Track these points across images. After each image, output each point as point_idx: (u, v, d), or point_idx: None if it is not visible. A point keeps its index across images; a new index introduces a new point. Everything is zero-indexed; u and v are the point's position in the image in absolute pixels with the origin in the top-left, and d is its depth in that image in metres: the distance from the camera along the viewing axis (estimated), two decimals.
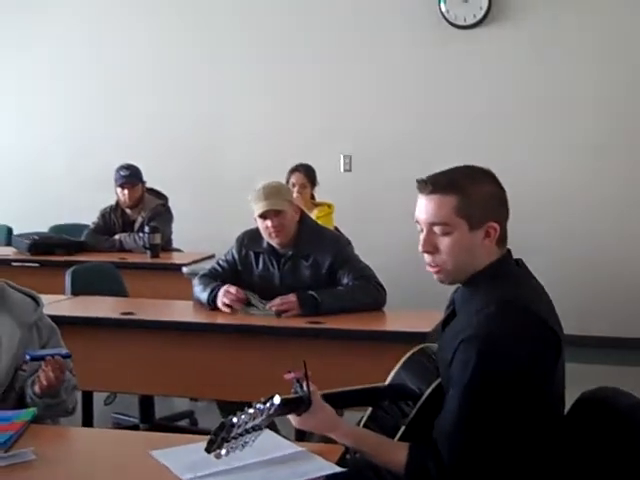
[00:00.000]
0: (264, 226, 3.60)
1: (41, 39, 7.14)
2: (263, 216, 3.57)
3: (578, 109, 6.06)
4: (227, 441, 1.73)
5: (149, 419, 4.15)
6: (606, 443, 1.91)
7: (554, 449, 1.96)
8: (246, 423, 1.75)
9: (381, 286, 3.60)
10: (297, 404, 1.92)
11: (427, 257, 2.01)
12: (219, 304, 3.57)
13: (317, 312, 3.45)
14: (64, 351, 2.36)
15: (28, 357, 2.32)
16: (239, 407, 1.80)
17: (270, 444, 1.98)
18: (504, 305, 1.90)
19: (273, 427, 2.30)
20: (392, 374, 2.21)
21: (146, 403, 4.14)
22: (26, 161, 7.21)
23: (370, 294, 3.55)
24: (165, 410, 4.50)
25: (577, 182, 6.08)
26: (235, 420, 1.74)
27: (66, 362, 2.36)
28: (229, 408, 3.10)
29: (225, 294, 3.55)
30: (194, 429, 4.29)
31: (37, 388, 2.33)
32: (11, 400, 2.39)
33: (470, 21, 6.15)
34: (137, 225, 5.42)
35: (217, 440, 1.73)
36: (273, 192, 3.57)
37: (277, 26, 6.62)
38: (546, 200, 6.11)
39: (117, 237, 5.39)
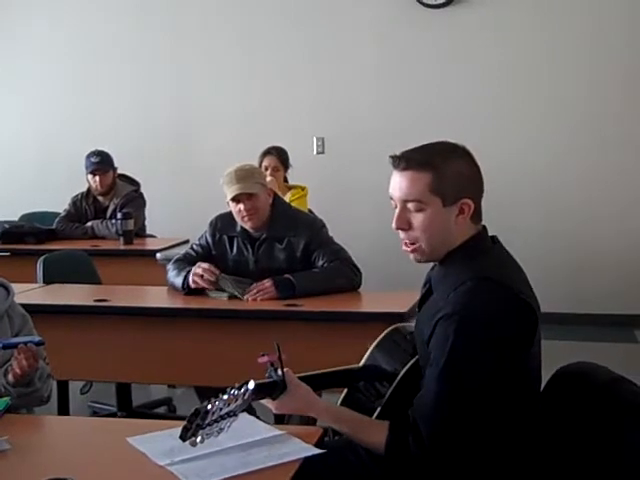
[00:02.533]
0: (237, 210, 3.57)
1: (9, 30, 7.03)
2: (235, 200, 3.54)
3: (552, 86, 6.07)
4: (202, 428, 1.71)
5: (126, 407, 4.11)
6: (584, 417, 1.91)
7: (532, 424, 1.96)
8: (221, 409, 1.73)
9: (356, 267, 3.59)
10: (272, 388, 1.91)
11: (402, 234, 2.00)
12: (190, 279, 3.53)
13: (293, 295, 3.43)
14: (37, 338, 2.33)
15: (0, 345, 2.29)
16: (217, 393, 1.78)
17: (248, 428, 1.96)
18: (480, 282, 1.90)
19: (251, 411, 2.28)
20: (366, 355, 2.20)
21: (123, 391, 4.11)
22: None
23: (345, 275, 3.54)
24: (142, 398, 4.48)
25: (555, 160, 6.11)
26: (209, 407, 1.72)
27: (39, 350, 2.33)
28: (207, 394, 3.07)
29: (197, 267, 3.53)
30: (172, 416, 4.27)
31: (10, 377, 2.30)
32: None
33: (441, 0, 6.14)
34: (109, 212, 5.36)
35: (192, 427, 1.70)
36: (245, 175, 3.53)
37: (252, 11, 6.56)
38: (523, 179, 6.14)
39: (89, 224, 5.34)
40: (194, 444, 1.72)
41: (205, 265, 3.54)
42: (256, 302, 3.44)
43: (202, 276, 3.51)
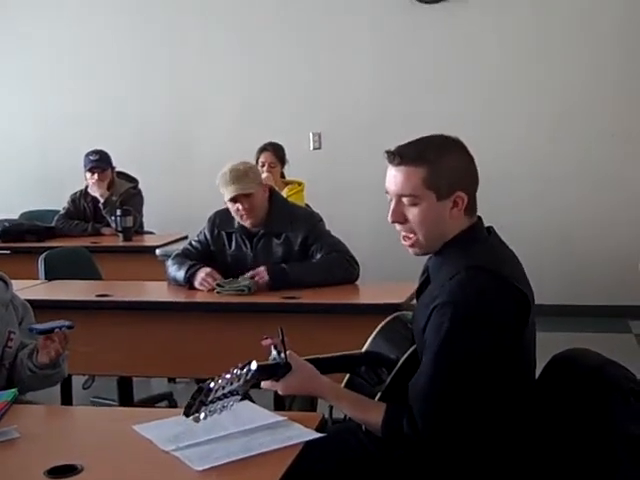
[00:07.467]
0: (235, 209, 3.62)
1: (8, 29, 7.06)
2: (233, 199, 3.58)
3: (548, 79, 6.13)
4: (205, 405, 1.76)
5: (128, 401, 4.15)
6: (576, 399, 1.96)
7: (526, 408, 2.01)
8: (223, 388, 1.78)
9: (354, 260, 3.63)
10: (274, 369, 1.95)
11: (398, 227, 2.05)
12: (197, 283, 3.59)
13: (286, 281, 3.49)
14: (67, 323, 2.39)
15: (35, 332, 2.37)
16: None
17: (251, 414, 2.01)
18: (473, 271, 1.95)
19: (249, 399, 2.33)
20: (368, 342, 2.25)
21: (124, 385, 4.14)
22: None
23: (343, 267, 3.58)
24: (143, 393, 4.51)
25: (551, 153, 6.17)
26: (212, 384, 1.77)
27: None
28: None
29: (205, 277, 3.56)
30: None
31: (46, 359, 2.37)
32: (2, 377, 2.44)
33: None
34: (107, 207, 5.42)
35: (195, 404, 1.75)
36: (240, 175, 3.56)
37: (249, 7, 6.59)
38: (519, 172, 6.20)
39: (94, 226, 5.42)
40: (197, 420, 1.76)
41: (208, 270, 3.58)
42: (254, 295, 3.49)
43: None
